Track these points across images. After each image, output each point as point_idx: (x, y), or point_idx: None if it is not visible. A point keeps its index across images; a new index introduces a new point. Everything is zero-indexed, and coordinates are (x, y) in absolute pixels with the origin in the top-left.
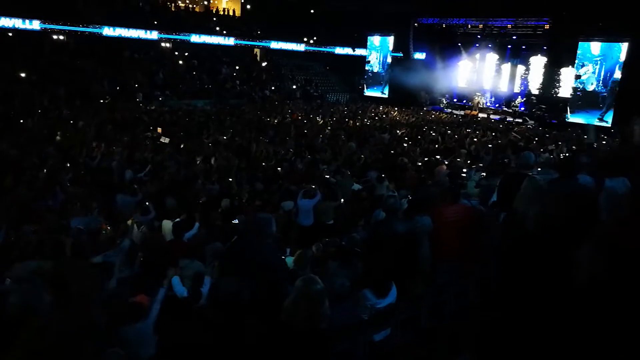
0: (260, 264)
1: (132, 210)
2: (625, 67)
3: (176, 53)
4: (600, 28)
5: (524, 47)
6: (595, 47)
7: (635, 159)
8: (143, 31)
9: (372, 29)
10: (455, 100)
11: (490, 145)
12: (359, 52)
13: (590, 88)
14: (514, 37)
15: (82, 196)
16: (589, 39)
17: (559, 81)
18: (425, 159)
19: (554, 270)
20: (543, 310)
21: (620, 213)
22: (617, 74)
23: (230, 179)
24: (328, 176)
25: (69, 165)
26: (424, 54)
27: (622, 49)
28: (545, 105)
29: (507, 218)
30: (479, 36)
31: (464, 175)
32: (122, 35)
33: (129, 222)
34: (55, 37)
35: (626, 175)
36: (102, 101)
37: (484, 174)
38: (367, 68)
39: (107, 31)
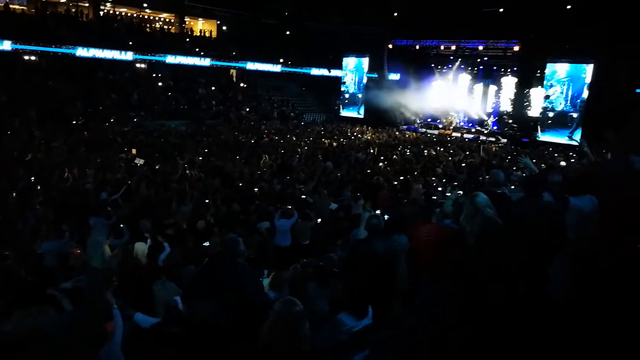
0: (233, 286)
1: (106, 233)
2: (591, 87)
3: (153, 75)
4: (567, 50)
5: (495, 67)
6: (563, 68)
7: (601, 176)
8: (118, 52)
9: (347, 50)
10: (429, 119)
11: (463, 164)
12: (335, 73)
13: (559, 108)
14: (486, 59)
15: (53, 220)
16: (556, 60)
17: (529, 101)
18: (401, 177)
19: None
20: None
21: (588, 231)
22: (584, 94)
23: (207, 200)
24: (305, 196)
25: (39, 188)
26: (399, 75)
27: (588, 71)
28: (517, 124)
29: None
30: (451, 57)
31: (436, 195)
32: (96, 56)
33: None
34: (27, 57)
35: (593, 193)
36: (75, 122)
37: (461, 192)
38: (342, 89)
39: (81, 52)
